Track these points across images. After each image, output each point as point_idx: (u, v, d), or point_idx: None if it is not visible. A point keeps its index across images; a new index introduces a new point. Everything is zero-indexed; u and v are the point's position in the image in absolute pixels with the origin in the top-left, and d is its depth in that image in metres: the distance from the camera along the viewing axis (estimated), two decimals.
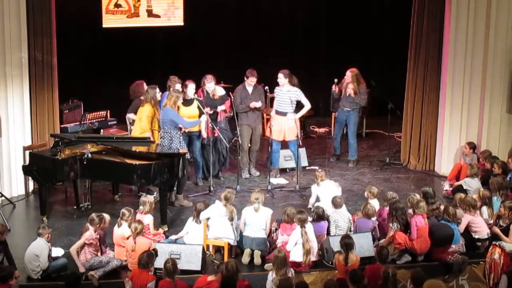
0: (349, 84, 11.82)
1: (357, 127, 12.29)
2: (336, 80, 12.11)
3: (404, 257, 8.70)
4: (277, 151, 11.44)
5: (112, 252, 8.67)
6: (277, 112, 11.22)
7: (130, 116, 11.13)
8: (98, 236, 8.52)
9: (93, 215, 8.54)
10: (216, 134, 10.82)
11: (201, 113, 10.77)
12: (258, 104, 11.13)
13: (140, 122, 10.52)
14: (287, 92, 11.13)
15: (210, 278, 7.64)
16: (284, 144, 11.49)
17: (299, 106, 11.31)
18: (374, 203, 9.35)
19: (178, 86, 10.74)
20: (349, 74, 11.81)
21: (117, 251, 8.66)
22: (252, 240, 8.74)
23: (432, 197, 9.35)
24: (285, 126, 11.15)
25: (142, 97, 10.82)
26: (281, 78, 11.12)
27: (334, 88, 12.07)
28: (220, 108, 11.05)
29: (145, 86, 10.89)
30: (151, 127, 10.52)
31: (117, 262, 8.47)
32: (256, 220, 8.81)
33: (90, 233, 8.42)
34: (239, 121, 11.14)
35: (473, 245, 8.98)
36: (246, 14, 14.65)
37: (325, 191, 9.70)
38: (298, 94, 11.15)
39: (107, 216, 8.78)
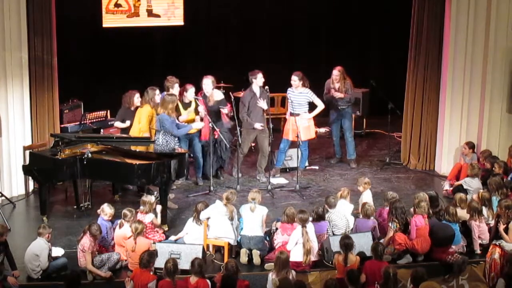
0: (336, 83, 11.75)
1: (353, 123, 12.26)
2: (332, 86, 11.98)
3: (405, 258, 8.70)
4: (284, 151, 11.46)
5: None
6: (291, 114, 11.26)
7: (116, 124, 11.05)
8: (96, 241, 8.50)
9: (94, 227, 8.42)
10: (216, 136, 10.81)
11: (198, 115, 10.80)
12: (260, 126, 11.04)
13: (139, 123, 10.51)
14: (299, 94, 11.18)
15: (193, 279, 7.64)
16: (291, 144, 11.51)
17: (312, 107, 11.36)
18: (368, 195, 9.45)
19: (177, 86, 10.72)
20: (337, 73, 11.75)
21: (117, 251, 8.66)
22: (249, 239, 8.75)
23: (437, 200, 9.38)
24: (299, 126, 11.13)
25: (132, 108, 10.75)
26: (296, 80, 11.16)
27: (327, 92, 11.93)
28: (223, 111, 11.00)
29: (136, 96, 10.79)
30: (151, 126, 10.52)
31: (116, 255, 8.52)
32: (253, 219, 8.82)
33: (90, 243, 8.38)
34: (242, 124, 11.12)
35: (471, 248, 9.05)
36: (246, 14, 14.64)
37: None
38: (309, 95, 11.19)
39: (104, 206, 8.83)
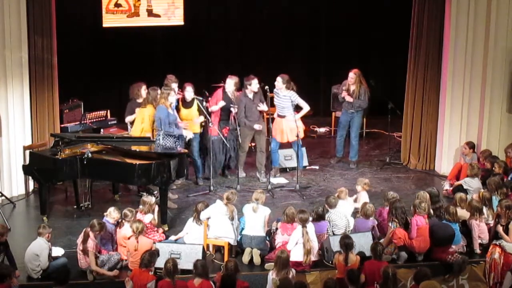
0: (351, 86, 11.76)
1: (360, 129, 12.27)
2: (344, 88, 11.94)
3: (401, 255, 8.71)
4: (276, 151, 11.47)
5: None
6: (278, 115, 11.30)
7: (127, 119, 11.02)
8: (97, 240, 8.52)
9: (95, 221, 8.49)
10: (226, 134, 10.87)
11: (200, 113, 10.80)
12: (259, 127, 11.16)
13: (142, 123, 10.51)
14: (283, 97, 11.17)
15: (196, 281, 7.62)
16: (286, 144, 11.52)
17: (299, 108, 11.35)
18: (364, 196, 9.53)
19: (175, 86, 10.75)
20: (353, 76, 11.74)
21: (118, 251, 8.67)
22: (251, 239, 8.76)
23: (437, 196, 9.38)
24: (286, 127, 11.18)
25: (139, 100, 10.78)
26: (279, 82, 11.15)
27: (341, 92, 11.92)
28: (233, 110, 11.04)
29: (143, 88, 10.85)
30: (152, 127, 10.55)
31: (117, 256, 8.53)
32: (255, 219, 8.83)
33: (93, 244, 8.40)
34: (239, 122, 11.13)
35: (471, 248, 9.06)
36: (246, 13, 14.64)
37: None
38: (293, 98, 11.16)
39: (111, 210, 8.81)
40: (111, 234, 8.78)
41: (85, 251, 8.37)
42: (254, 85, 11.05)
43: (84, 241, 8.39)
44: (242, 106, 11.06)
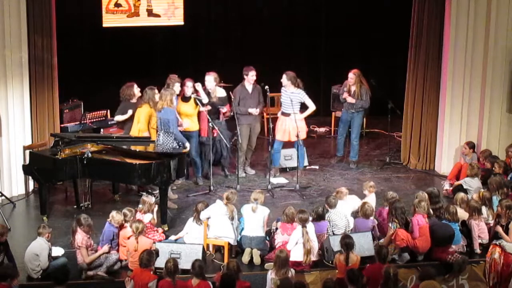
0: (352, 86, 11.75)
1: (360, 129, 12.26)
2: (345, 89, 11.93)
3: (404, 256, 8.71)
4: (278, 151, 11.47)
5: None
6: (283, 113, 11.30)
7: (117, 118, 11.02)
8: (88, 235, 8.50)
9: (81, 218, 8.48)
10: (215, 134, 10.84)
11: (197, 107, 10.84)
12: (255, 111, 11.19)
13: (138, 123, 10.52)
14: (291, 94, 11.16)
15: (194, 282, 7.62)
16: (287, 144, 11.54)
17: (305, 107, 11.33)
18: (372, 199, 9.45)
19: (177, 85, 10.75)
20: (352, 76, 11.73)
21: (120, 251, 8.67)
22: (251, 239, 8.77)
23: (437, 196, 9.37)
24: (289, 126, 11.18)
25: (133, 100, 10.78)
26: (284, 79, 11.18)
27: (342, 93, 11.91)
28: (222, 109, 11.04)
29: (135, 87, 10.86)
30: (150, 126, 10.53)
31: (115, 255, 8.53)
32: (254, 220, 8.84)
33: (81, 237, 8.40)
34: (238, 121, 11.13)
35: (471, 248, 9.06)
36: (246, 13, 14.65)
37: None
38: (301, 96, 11.17)
39: (113, 214, 8.75)
40: (113, 235, 8.76)
41: (75, 246, 8.38)
42: (250, 76, 11.11)
43: (73, 236, 8.41)
44: (237, 97, 11.12)
